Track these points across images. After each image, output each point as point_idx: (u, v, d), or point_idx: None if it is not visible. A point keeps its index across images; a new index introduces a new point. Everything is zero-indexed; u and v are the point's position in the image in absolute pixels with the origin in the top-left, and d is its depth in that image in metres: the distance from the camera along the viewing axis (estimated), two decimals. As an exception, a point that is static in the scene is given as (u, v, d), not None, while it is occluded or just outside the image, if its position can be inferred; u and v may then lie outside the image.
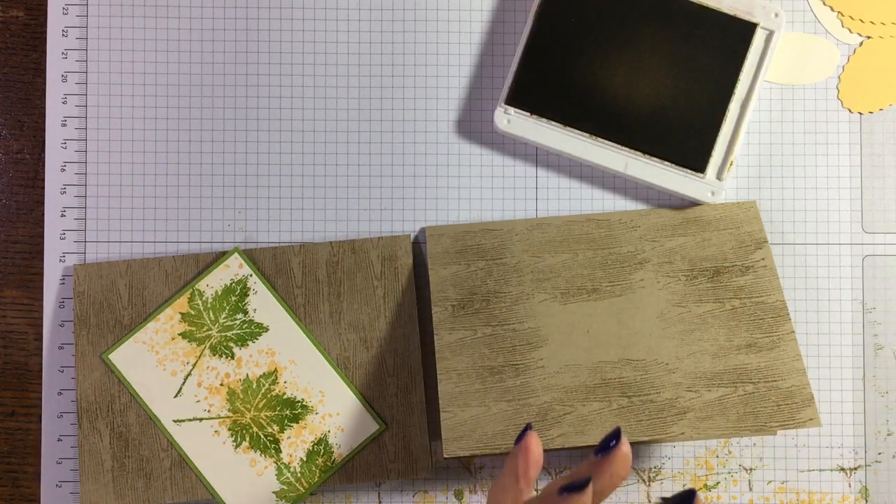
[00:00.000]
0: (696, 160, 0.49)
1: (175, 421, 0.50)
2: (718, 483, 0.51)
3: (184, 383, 0.50)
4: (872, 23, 0.52)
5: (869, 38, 0.52)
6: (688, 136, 0.49)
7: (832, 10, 0.52)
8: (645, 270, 0.49)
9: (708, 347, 0.48)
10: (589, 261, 0.48)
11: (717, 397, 0.47)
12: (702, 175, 0.49)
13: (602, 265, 0.49)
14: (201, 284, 0.50)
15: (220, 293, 0.50)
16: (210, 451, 0.50)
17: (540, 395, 0.47)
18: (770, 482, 0.51)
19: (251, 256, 0.50)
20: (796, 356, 0.47)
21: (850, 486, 0.51)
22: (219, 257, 0.50)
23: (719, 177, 0.49)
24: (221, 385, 0.50)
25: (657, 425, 0.47)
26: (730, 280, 0.48)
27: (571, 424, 0.47)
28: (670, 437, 0.47)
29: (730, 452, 0.51)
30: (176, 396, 0.50)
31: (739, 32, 0.49)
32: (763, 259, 0.49)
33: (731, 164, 0.49)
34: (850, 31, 0.52)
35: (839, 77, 0.52)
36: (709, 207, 0.50)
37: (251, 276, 0.50)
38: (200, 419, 0.50)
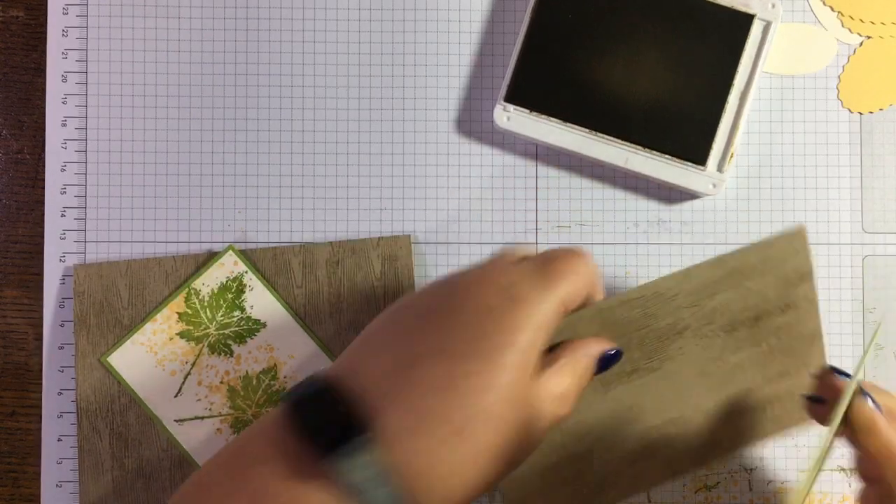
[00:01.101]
0: (696, 153, 0.49)
1: (176, 421, 0.50)
2: (718, 483, 0.51)
3: (183, 383, 0.50)
4: (872, 23, 0.52)
5: (869, 38, 0.52)
6: (688, 128, 0.49)
7: (832, 10, 0.52)
8: (684, 339, 0.44)
9: (743, 389, 0.45)
10: (624, 345, 0.43)
11: None
12: (703, 167, 0.49)
13: (639, 345, 0.44)
14: (197, 283, 0.50)
15: (216, 291, 0.50)
16: (213, 449, 0.50)
17: (596, 469, 0.45)
18: (770, 482, 0.51)
19: (250, 256, 0.50)
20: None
21: (850, 486, 0.51)
22: (213, 256, 0.50)
23: (720, 169, 0.50)
24: (221, 383, 0.50)
25: (693, 465, 0.46)
26: (769, 321, 0.44)
27: (626, 483, 0.46)
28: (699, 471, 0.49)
29: (730, 452, 0.51)
30: (176, 396, 0.50)
31: (737, 24, 0.49)
32: (805, 293, 0.44)
33: (731, 156, 0.49)
34: (850, 31, 0.52)
35: (839, 77, 0.52)
36: (753, 249, 0.43)
37: (247, 272, 0.50)
38: (202, 418, 0.50)
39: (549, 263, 0.37)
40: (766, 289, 0.43)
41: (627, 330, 0.42)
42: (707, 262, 0.42)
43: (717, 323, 0.43)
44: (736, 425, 0.45)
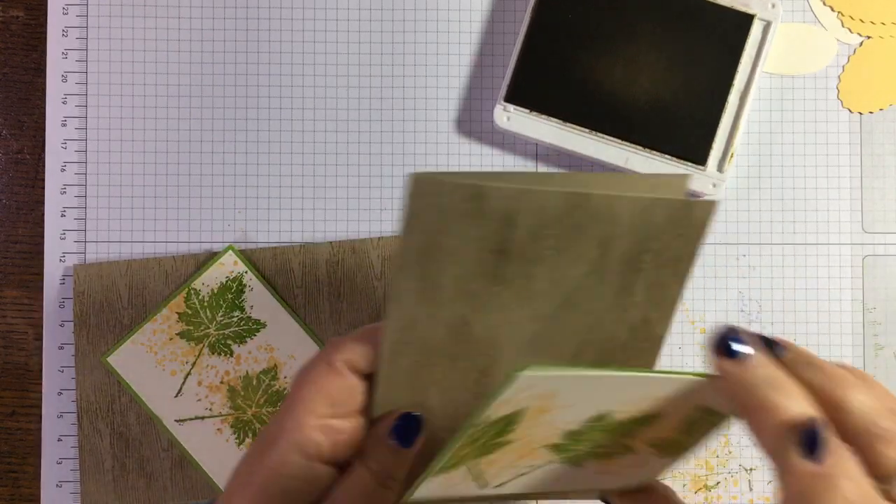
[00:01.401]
0: (696, 153, 0.49)
1: (177, 421, 0.50)
2: (718, 483, 0.51)
3: (184, 383, 0.50)
4: (872, 23, 0.52)
5: (869, 38, 0.52)
6: (688, 128, 0.49)
7: (832, 10, 0.52)
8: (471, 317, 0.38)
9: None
10: (444, 364, 0.39)
11: None
12: (703, 168, 0.49)
13: (452, 356, 0.39)
14: (197, 283, 0.50)
15: (216, 291, 0.50)
16: (213, 448, 0.50)
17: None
18: (770, 482, 0.51)
19: (250, 256, 0.50)
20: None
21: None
22: (213, 256, 0.50)
23: (720, 169, 0.50)
24: (222, 383, 0.50)
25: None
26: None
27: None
28: None
29: (730, 452, 0.51)
30: (177, 396, 0.50)
31: (737, 24, 0.49)
32: None
33: (731, 156, 0.49)
34: (850, 31, 0.52)
35: (839, 77, 0.52)
36: None
37: (246, 272, 0.50)
38: (202, 418, 0.50)
39: (285, 400, 0.38)
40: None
41: (429, 364, 0.38)
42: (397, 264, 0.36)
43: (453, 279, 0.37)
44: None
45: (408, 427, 0.38)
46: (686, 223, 0.36)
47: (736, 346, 0.33)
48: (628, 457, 0.40)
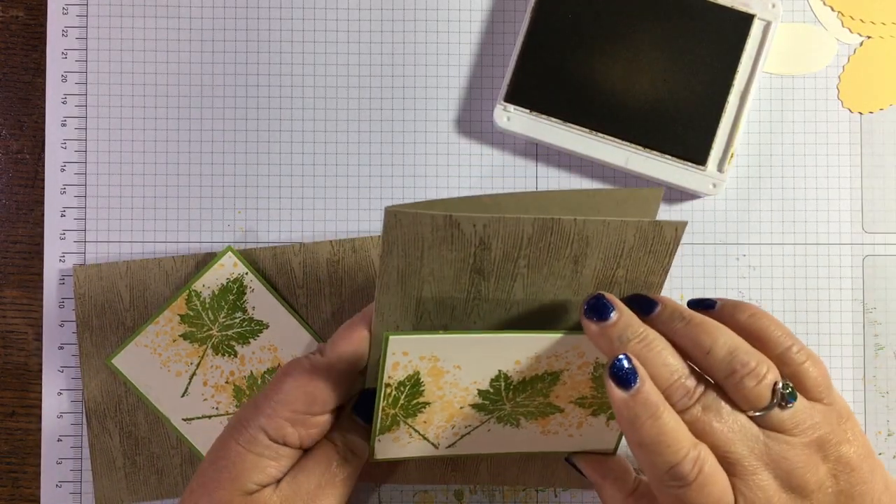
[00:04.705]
0: (696, 153, 0.49)
1: (184, 419, 0.50)
2: (719, 483, 0.51)
3: (189, 383, 0.50)
4: (872, 23, 0.52)
5: (869, 38, 0.52)
6: (688, 128, 0.49)
7: (832, 10, 0.52)
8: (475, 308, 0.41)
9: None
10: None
11: None
12: (703, 168, 0.49)
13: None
14: (197, 285, 0.50)
15: (217, 293, 0.50)
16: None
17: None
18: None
19: (250, 256, 0.50)
20: None
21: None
22: (213, 257, 0.50)
23: (720, 169, 0.50)
24: (227, 383, 0.50)
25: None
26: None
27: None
28: None
29: (730, 452, 0.51)
30: (183, 396, 0.50)
31: (737, 24, 0.49)
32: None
33: (731, 156, 0.49)
34: (850, 31, 0.52)
35: (839, 77, 0.52)
36: None
37: (247, 274, 0.50)
38: (209, 417, 0.50)
39: (267, 386, 0.42)
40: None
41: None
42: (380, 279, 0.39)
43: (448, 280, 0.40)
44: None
45: (365, 400, 0.43)
46: (656, 241, 0.38)
47: (598, 308, 0.38)
48: (560, 416, 0.42)
